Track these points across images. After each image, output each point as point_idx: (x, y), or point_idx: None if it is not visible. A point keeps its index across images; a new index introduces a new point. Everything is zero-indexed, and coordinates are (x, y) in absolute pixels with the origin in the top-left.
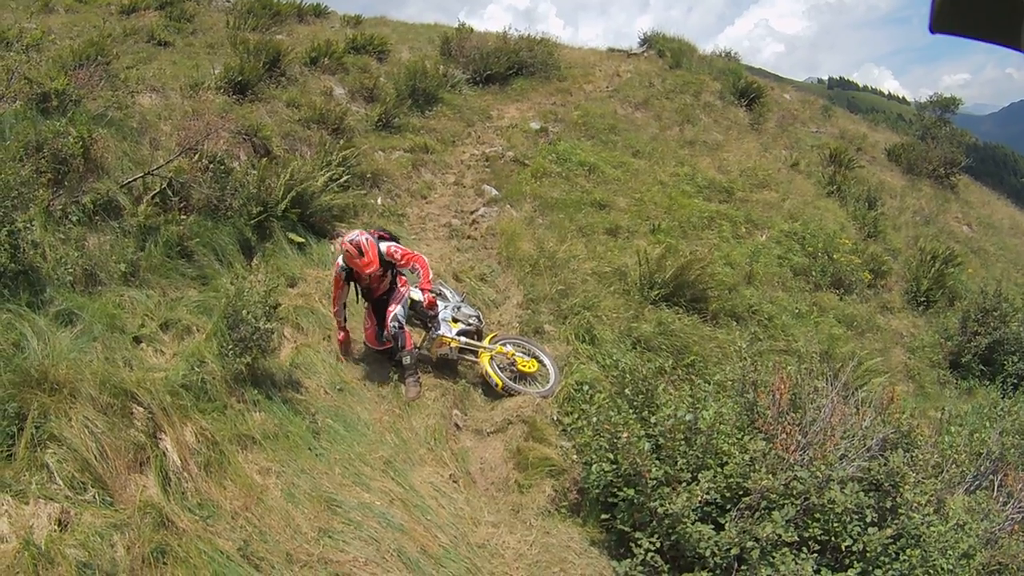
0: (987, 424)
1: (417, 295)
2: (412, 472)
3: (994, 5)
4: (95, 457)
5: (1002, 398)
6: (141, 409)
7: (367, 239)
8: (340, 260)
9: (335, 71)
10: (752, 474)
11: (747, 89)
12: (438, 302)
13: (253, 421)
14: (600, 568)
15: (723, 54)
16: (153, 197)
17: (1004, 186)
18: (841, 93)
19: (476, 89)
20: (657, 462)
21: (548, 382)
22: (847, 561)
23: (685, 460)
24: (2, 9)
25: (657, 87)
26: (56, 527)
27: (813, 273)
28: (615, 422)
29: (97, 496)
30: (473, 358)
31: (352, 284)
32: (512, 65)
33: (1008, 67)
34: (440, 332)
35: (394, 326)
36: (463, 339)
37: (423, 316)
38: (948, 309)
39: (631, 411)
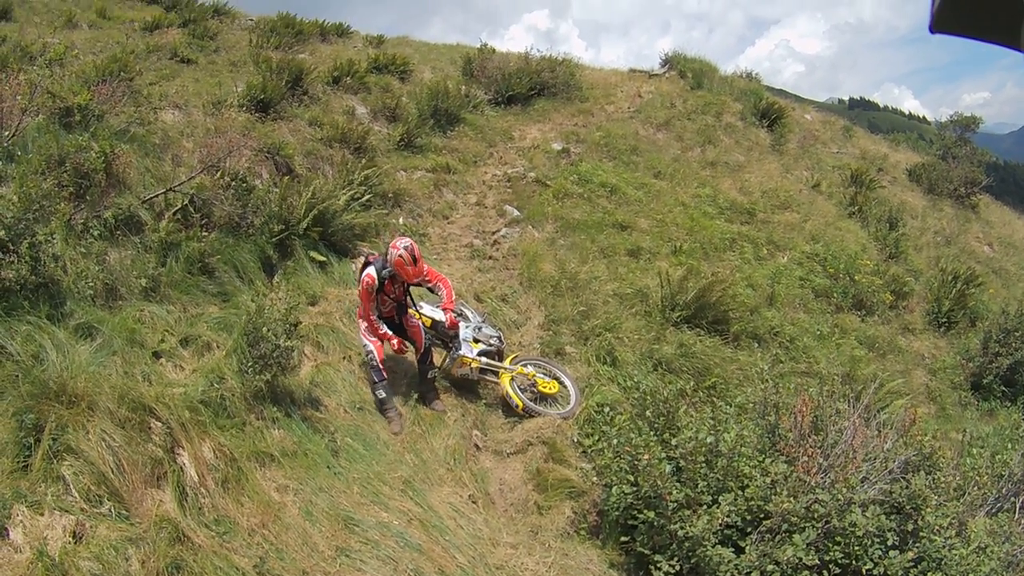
0: (1009, 446)
1: (440, 315)
2: (431, 492)
3: (994, 5)
4: (112, 470)
5: None
6: (159, 424)
7: (415, 246)
8: (372, 271)
9: (357, 91)
10: (773, 497)
11: (768, 110)
12: (459, 322)
13: (272, 438)
14: None
15: (744, 75)
16: (175, 213)
17: None
18: (862, 113)
19: (498, 110)
20: (678, 484)
21: (569, 403)
22: None
23: (706, 483)
24: (26, 24)
25: (678, 108)
26: (71, 539)
27: (834, 294)
28: (635, 444)
29: (113, 509)
30: (494, 379)
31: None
32: (534, 86)
33: None
34: (461, 352)
35: (367, 354)
36: (484, 360)
37: (444, 336)
38: (970, 330)
39: (652, 433)
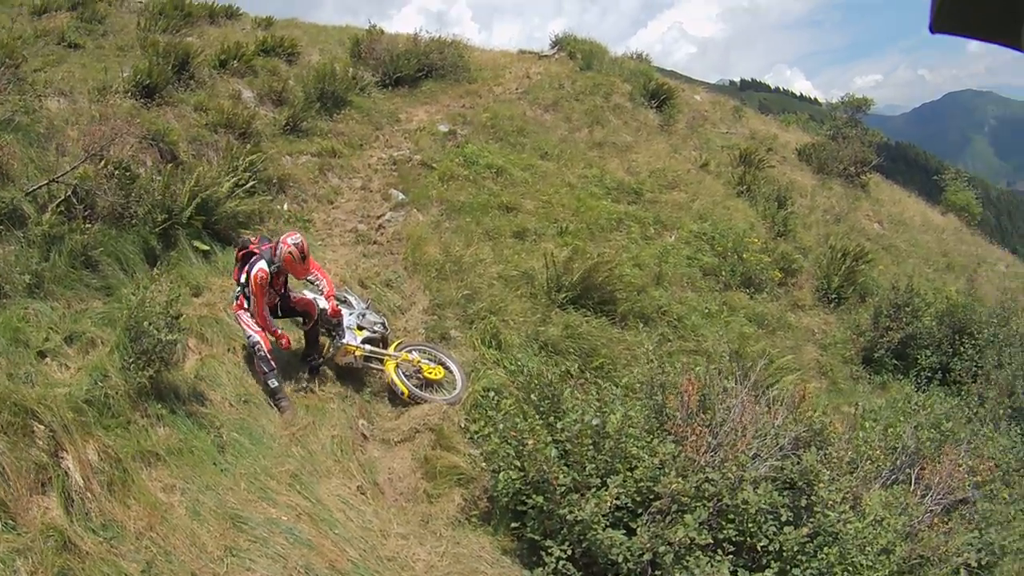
0: (901, 419)
1: (322, 303)
2: (319, 485)
3: (994, 5)
4: None
5: (916, 391)
6: (42, 427)
7: (305, 243)
8: (264, 265)
9: (244, 74)
10: (662, 477)
11: (658, 91)
12: (343, 309)
13: (157, 436)
14: None
15: (634, 56)
16: (58, 205)
17: (915, 184)
18: (753, 95)
19: (385, 92)
20: (565, 468)
21: (455, 388)
22: (764, 561)
23: (594, 466)
24: None
25: (567, 89)
26: None
27: (723, 273)
28: (521, 429)
29: None
30: (379, 366)
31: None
32: (422, 67)
33: (920, 68)
34: (345, 340)
35: (254, 347)
36: (368, 347)
37: (327, 324)
38: (860, 306)
39: (537, 417)
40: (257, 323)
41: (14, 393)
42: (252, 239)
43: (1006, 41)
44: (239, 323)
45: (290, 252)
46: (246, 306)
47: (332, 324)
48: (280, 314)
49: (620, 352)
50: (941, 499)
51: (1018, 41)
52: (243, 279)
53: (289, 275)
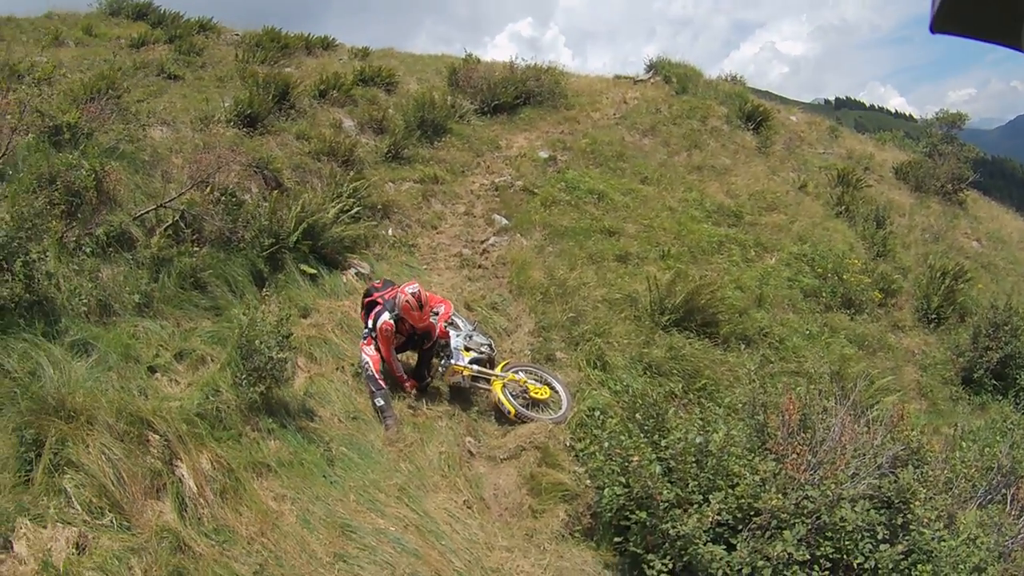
0: (999, 439)
1: (438, 311)
2: (426, 498)
3: (994, 5)
4: (112, 483)
5: (1015, 412)
6: (157, 437)
7: (422, 291)
8: (388, 318)
9: (344, 103)
10: (762, 494)
11: (753, 113)
12: (450, 331)
13: (268, 449)
14: None
15: (729, 78)
16: (166, 229)
17: (1013, 199)
18: (848, 113)
19: (484, 119)
20: (668, 485)
21: (560, 408)
22: None
23: (696, 482)
24: (13, 43)
25: (664, 113)
26: (74, 550)
27: (823, 294)
28: (626, 446)
29: (114, 520)
30: (486, 386)
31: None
32: (519, 95)
33: (1013, 80)
34: (453, 361)
35: (364, 366)
36: (475, 367)
37: (437, 345)
38: (959, 325)
39: (642, 435)
40: (389, 369)
41: (130, 404)
42: (376, 284)
43: (1006, 41)
44: (361, 351)
45: (407, 301)
46: (372, 345)
47: (441, 345)
48: (407, 348)
49: (722, 374)
50: None
51: (1018, 41)
52: (370, 324)
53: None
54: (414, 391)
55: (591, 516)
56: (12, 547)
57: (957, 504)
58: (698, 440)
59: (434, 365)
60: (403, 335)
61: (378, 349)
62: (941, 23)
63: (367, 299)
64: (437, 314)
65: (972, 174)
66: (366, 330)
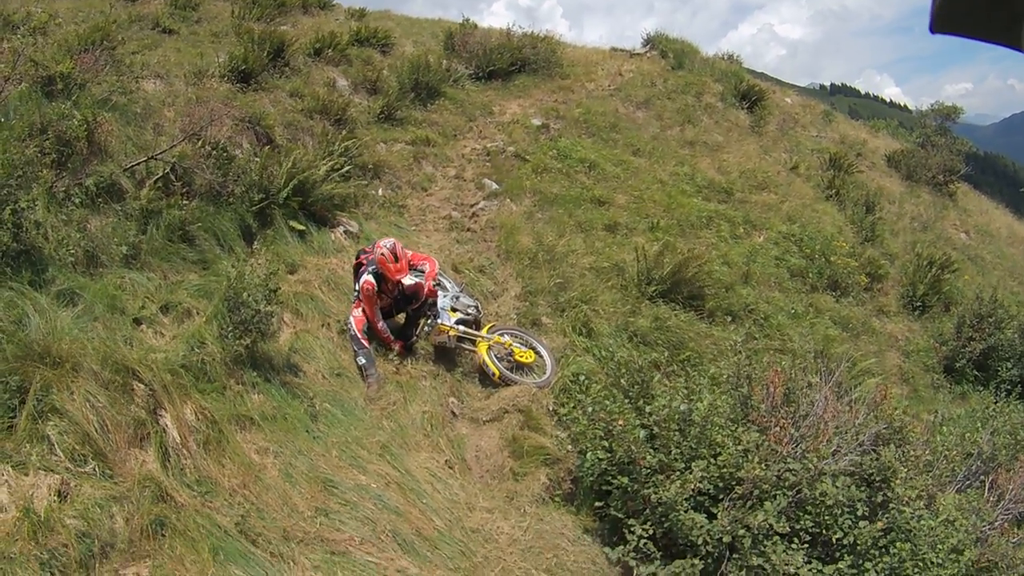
0: (979, 425)
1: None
2: (408, 457)
3: (994, 5)
4: (96, 431)
5: (995, 403)
6: (142, 386)
7: (398, 245)
8: (370, 277)
9: (339, 63)
10: (745, 464)
11: (748, 92)
12: (437, 291)
13: (252, 403)
14: (593, 555)
15: (725, 56)
16: (156, 181)
17: (1003, 196)
18: (842, 99)
19: (478, 84)
20: (651, 451)
21: (545, 373)
22: (837, 554)
23: (679, 450)
24: None
25: (659, 87)
26: (56, 498)
27: (810, 275)
28: (610, 410)
29: (97, 469)
30: (471, 347)
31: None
32: (515, 62)
33: (1010, 78)
34: (439, 321)
35: (348, 326)
36: (461, 328)
37: (423, 304)
38: (943, 314)
39: (626, 401)
40: (372, 329)
41: (116, 352)
42: (365, 249)
43: (1006, 41)
44: (350, 313)
45: (382, 255)
46: (360, 308)
47: (429, 304)
48: (394, 312)
49: (707, 346)
50: (1013, 507)
51: (1018, 41)
52: (356, 287)
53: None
54: (399, 349)
55: (572, 481)
56: None
57: (937, 486)
58: (682, 408)
59: (420, 324)
60: (388, 296)
61: (364, 312)
62: (941, 23)
63: (356, 263)
64: (422, 272)
65: (964, 167)
66: (355, 293)
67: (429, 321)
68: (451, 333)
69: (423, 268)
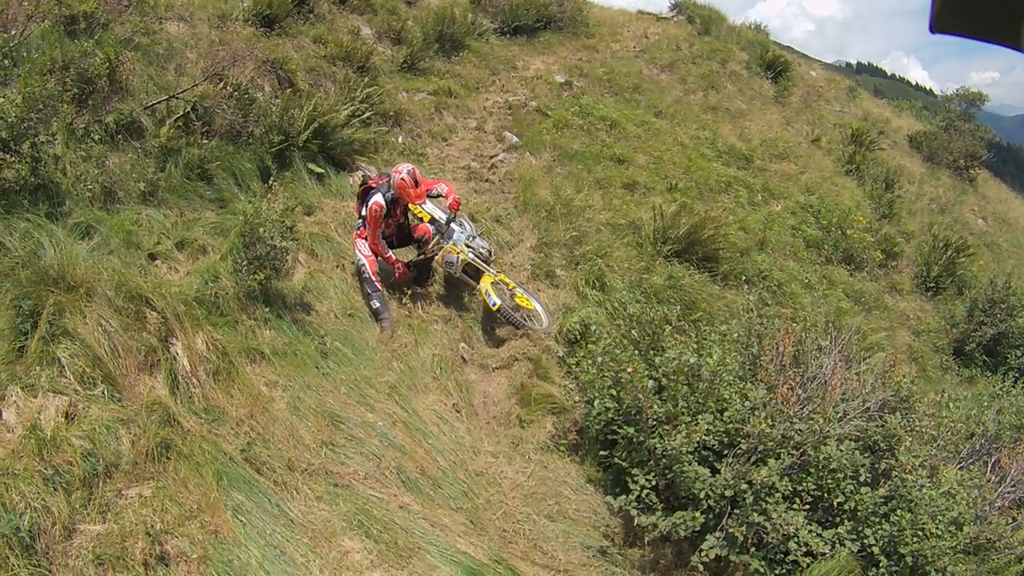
0: (985, 407)
1: (439, 212)
2: (416, 398)
3: (994, 5)
4: (107, 354)
5: (1003, 385)
6: (155, 314)
7: (416, 170)
8: (379, 198)
9: (363, 11)
10: (751, 419)
11: (774, 62)
12: (454, 227)
13: (263, 337)
14: (595, 504)
15: (752, 26)
16: (176, 120)
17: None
18: (868, 79)
19: (503, 39)
20: (659, 401)
21: (542, 324)
22: (838, 519)
23: (686, 403)
24: None
25: (684, 51)
26: (63, 418)
27: (825, 246)
28: (619, 359)
29: (106, 392)
30: (474, 283)
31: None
32: (540, 18)
33: None
34: (453, 240)
35: (360, 268)
36: (471, 254)
37: (441, 231)
38: (956, 297)
39: (636, 353)
40: (372, 250)
41: (130, 280)
42: (372, 176)
43: (1006, 41)
44: (355, 248)
45: (402, 179)
46: (365, 236)
47: (445, 224)
48: (397, 243)
49: (719, 308)
50: (1014, 488)
51: (1018, 41)
52: (363, 211)
53: (409, 205)
54: (402, 270)
55: (578, 432)
56: (1, 415)
57: (940, 459)
58: (692, 361)
59: (432, 240)
60: (393, 221)
61: (367, 238)
62: (941, 23)
63: (362, 188)
64: (440, 195)
65: (986, 153)
66: (359, 220)
67: (443, 240)
68: (461, 257)
69: (439, 191)
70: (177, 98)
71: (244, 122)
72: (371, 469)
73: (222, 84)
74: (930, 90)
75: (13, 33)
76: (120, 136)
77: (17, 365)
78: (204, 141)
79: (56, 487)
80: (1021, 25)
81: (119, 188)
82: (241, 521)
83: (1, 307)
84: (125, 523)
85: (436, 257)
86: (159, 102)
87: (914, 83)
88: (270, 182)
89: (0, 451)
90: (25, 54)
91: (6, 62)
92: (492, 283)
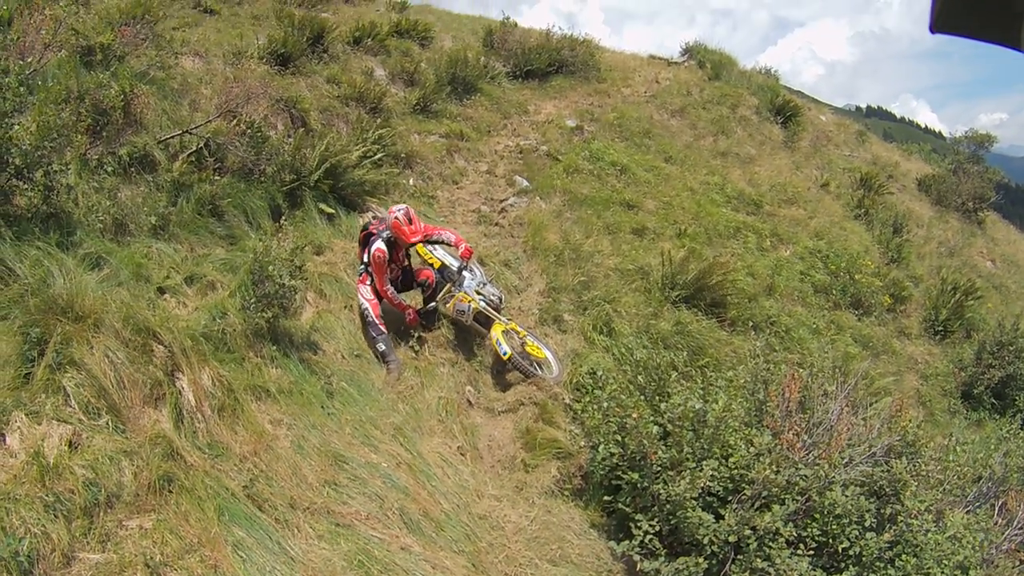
0: (992, 450)
1: (451, 259)
2: (421, 441)
3: (994, 5)
4: (112, 386)
5: (1010, 428)
6: (162, 348)
7: (411, 209)
8: (381, 245)
9: (377, 53)
10: (756, 465)
11: (784, 107)
12: (465, 275)
13: (269, 375)
14: (598, 549)
15: (763, 71)
16: (189, 155)
17: None
18: (877, 123)
19: (515, 83)
20: (664, 446)
21: (552, 373)
22: (842, 564)
23: (691, 449)
24: None
25: (695, 96)
26: (67, 447)
27: (833, 291)
28: (625, 404)
29: (110, 423)
30: (485, 331)
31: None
32: (552, 63)
33: None
34: (464, 288)
35: (364, 312)
36: (483, 303)
37: (451, 279)
38: (965, 340)
39: (642, 398)
40: (384, 298)
41: (138, 312)
42: (373, 221)
43: (1006, 41)
44: (357, 293)
45: (396, 218)
46: (368, 283)
47: (455, 273)
48: (401, 288)
49: (726, 354)
50: (1021, 531)
51: (1018, 42)
52: (365, 258)
53: (417, 249)
54: (412, 315)
55: (582, 477)
56: (4, 440)
57: (946, 503)
58: (697, 406)
59: (444, 289)
60: (398, 265)
61: (374, 287)
62: (941, 23)
63: (363, 233)
64: (447, 242)
65: (994, 195)
66: (361, 266)
67: (453, 288)
68: (473, 305)
69: (446, 238)
70: (190, 133)
71: (256, 160)
72: (373, 510)
73: (235, 121)
74: (939, 132)
75: (30, 61)
76: (133, 169)
77: (23, 392)
78: (216, 177)
79: (57, 514)
80: (1021, 25)
81: (130, 221)
82: (241, 557)
83: (9, 334)
84: (124, 553)
85: (448, 305)
86: (172, 136)
87: (923, 126)
88: (281, 220)
89: (2, 476)
90: (41, 83)
91: (22, 89)
92: (503, 331)
